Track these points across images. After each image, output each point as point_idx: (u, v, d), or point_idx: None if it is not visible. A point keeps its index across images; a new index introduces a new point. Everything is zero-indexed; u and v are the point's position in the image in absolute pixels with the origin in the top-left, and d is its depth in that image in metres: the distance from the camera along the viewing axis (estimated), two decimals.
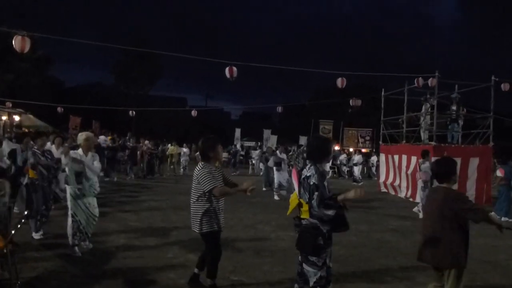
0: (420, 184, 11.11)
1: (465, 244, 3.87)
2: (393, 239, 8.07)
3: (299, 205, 3.88)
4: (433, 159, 12.93)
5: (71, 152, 6.11)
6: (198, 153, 22.97)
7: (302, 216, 3.85)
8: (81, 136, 6.29)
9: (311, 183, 3.71)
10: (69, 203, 6.05)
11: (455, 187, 12.93)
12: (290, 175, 12.46)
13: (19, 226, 4.65)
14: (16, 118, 22.14)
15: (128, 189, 14.32)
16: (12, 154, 8.14)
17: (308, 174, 3.79)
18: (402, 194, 15.37)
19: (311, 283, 3.76)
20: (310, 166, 3.85)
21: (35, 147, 7.25)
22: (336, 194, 3.78)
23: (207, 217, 4.55)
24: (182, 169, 21.85)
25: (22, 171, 8.04)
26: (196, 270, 4.88)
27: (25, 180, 8.08)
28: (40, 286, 4.85)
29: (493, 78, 15.21)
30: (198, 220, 4.56)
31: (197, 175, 4.58)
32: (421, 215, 10.88)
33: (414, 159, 14.57)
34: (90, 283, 4.98)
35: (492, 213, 4.13)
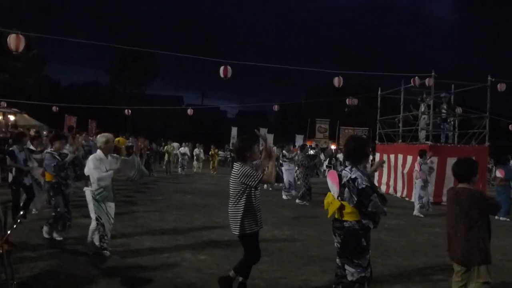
0: (419, 183, 11.16)
1: (488, 241, 4.07)
2: (389, 238, 8.09)
3: (341, 207, 3.81)
4: (430, 159, 13.03)
5: (94, 155, 6.04)
6: (197, 151, 23.13)
7: (344, 219, 3.80)
8: (102, 138, 6.07)
9: (363, 185, 3.68)
10: (92, 207, 5.87)
11: (450, 185, 12.98)
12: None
13: (15, 226, 4.64)
14: (11, 118, 22.02)
15: (124, 188, 14.28)
16: (11, 155, 8.10)
17: (352, 176, 3.75)
18: (398, 194, 15.42)
19: (352, 278, 3.75)
20: (351, 167, 3.84)
21: (52, 149, 6.99)
22: None
23: (247, 218, 4.49)
24: (180, 169, 21.84)
25: (23, 171, 8.01)
26: (240, 279, 4.74)
27: (28, 181, 8.07)
28: (37, 286, 4.85)
29: (489, 78, 15.30)
30: (239, 222, 4.48)
31: (238, 175, 4.50)
32: (415, 212, 10.96)
33: (410, 158, 14.63)
34: (86, 282, 4.97)
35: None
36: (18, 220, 4.78)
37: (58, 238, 6.74)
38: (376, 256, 6.58)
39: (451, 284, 4.40)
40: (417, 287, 5.34)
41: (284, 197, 13.40)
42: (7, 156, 8.42)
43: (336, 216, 3.90)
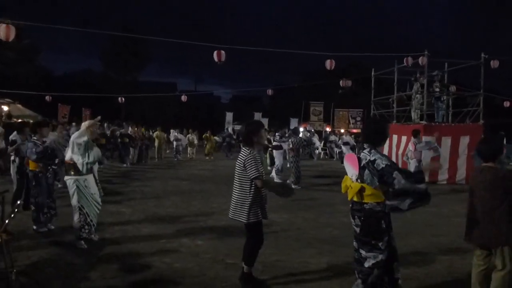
0: (414, 163, 11.18)
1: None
2: None
3: (361, 189, 3.77)
4: (423, 138, 13.05)
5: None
6: (190, 136, 23.13)
7: (365, 201, 3.77)
8: (85, 123, 6.09)
9: (383, 165, 3.65)
10: (74, 196, 5.85)
11: (445, 165, 12.90)
12: (283, 159, 12.56)
13: (12, 215, 4.66)
14: (5, 108, 21.89)
15: (119, 176, 14.31)
16: (13, 145, 8.14)
17: (372, 158, 3.72)
18: None
19: (369, 264, 3.74)
20: (370, 149, 3.80)
21: (35, 138, 6.89)
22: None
23: (255, 206, 4.44)
24: (177, 155, 21.91)
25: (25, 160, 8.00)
26: (245, 268, 4.71)
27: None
28: (36, 274, 4.88)
29: (482, 55, 15.26)
30: (246, 209, 4.43)
31: (244, 161, 4.46)
32: None
33: (404, 139, 14.68)
34: (85, 270, 5.02)
35: None
36: (16, 209, 4.80)
37: (41, 230, 6.63)
38: None
39: (470, 266, 4.21)
40: (413, 268, 5.38)
41: (276, 179, 13.51)
42: (8, 146, 8.44)
43: (355, 198, 3.85)
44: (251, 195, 4.43)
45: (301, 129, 25.41)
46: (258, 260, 5.43)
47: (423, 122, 14.51)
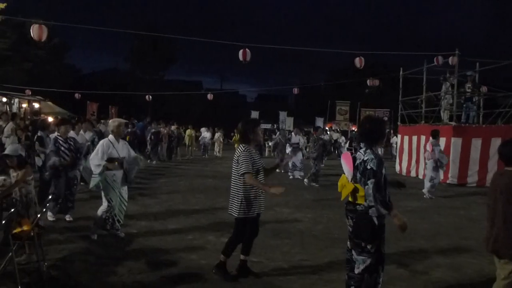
0: (431, 164, 10.99)
1: None
2: (411, 221, 7.98)
3: (355, 190, 3.73)
4: (452, 139, 12.80)
5: (104, 139, 6.22)
6: (217, 135, 23.36)
7: (358, 202, 3.72)
8: (113, 123, 6.30)
9: (369, 167, 3.58)
10: (103, 188, 6.03)
11: (475, 167, 12.57)
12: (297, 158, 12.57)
13: (44, 210, 4.78)
14: (36, 105, 22.49)
15: (147, 172, 14.48)
16: (40, 141, 8.38)
17: (365, 158, 3.64)
18: (419, 176, 15.22)
19: (359, 270, 3.70)
20: (366, 149, 3.72)
21: (58, 134, 7.30)
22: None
23: (246, 201, 4.53)
24: (205, 152, 22.16)
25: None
26: (222, 258, 4.82)
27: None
28: (66, 267, 4.98)
29: None
30: (237, 204, 4.56)
31: (238, 156, 4.60)
32: (425, 192, 10.85)
33: None
34: (113, 264, 5.10)
35: None
36: (47, 204, 4.94)
37: (51, 219, 6.98)
38: (399, 238, 6.53)
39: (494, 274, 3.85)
40: (441, 270, 5.30)
41: (290, 176, 13.77)
42: (36, 142, 8.63)
43: (350, 199, 3.82)
44: (244, 189, 4.53)
45: (327, 128, 25.21)
46: (284, 259, 5.45)
47: (453, 123, 14.19)
